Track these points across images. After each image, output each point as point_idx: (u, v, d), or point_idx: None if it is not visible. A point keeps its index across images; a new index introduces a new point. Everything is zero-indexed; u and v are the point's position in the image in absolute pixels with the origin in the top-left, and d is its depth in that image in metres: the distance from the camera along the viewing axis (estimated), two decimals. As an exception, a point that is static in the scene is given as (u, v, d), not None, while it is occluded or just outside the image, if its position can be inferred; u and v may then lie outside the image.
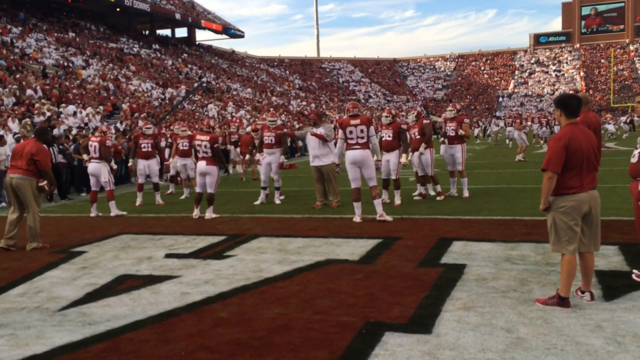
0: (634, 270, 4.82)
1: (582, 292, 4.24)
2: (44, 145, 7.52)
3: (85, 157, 10.69)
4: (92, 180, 10.40)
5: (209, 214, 9.24)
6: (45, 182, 7.34)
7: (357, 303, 4.42)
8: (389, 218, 8.08)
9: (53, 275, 5.83)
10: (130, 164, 11.31)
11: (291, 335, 3.80)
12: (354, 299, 4.54)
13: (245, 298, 4.72)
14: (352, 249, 6.39)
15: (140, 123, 17.55)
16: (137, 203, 11.37)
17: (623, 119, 42.18)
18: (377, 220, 8.04)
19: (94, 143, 10.28)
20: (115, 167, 11.14)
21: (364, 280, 5.06)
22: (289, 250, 6.45)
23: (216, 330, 3.98)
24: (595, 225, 4.17)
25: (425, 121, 10.25)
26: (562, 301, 4.08)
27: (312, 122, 10.25)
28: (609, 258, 5.42)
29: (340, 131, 8.36)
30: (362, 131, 8.15)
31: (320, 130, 9.81)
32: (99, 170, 10.17)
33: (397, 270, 5.36)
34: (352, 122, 8.21)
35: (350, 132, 8.19)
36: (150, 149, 11.57)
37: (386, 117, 9.69)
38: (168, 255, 6.50)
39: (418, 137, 10.05)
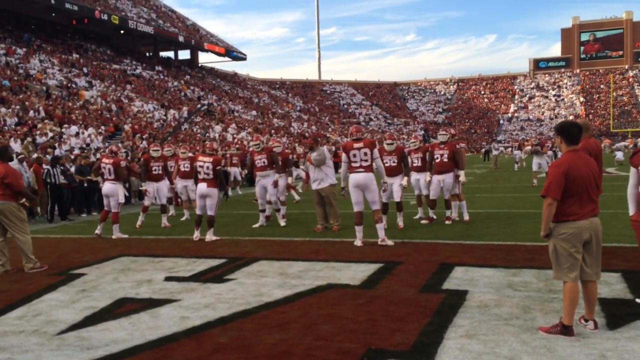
0: (637, 300, 4.79)
1: (586, 321, 4.20)
2: (9, 165, 7.40)
3: (96, 178, 10.71)
4: (105, 201, 10.39)
5: (210, 236, 9.22)
6: (23, 199, 7.31)
7: (359, 329, 4.38)
8: (390, 242, 8.06)
9: (52, 298, 5.79)
10: (143, 187, 11.37)
11: (292, 362, 3.76)
12: (355, 324, 4.50)
13: (245, 323, 4.68)
14: (354, 273, 6.35)
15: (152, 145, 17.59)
16: (138, 224, 11.35)
17: (623, 143, 42.31)
18: (378, 244, 8.01)
19: (107, 165, 10.29)
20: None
21: (366, 306, 5.03)
22: (289, 274, 6.41)
23: (216, 356, 3.93)
24: (597, 253, 4.15)
25: (458, 146, 10.23)
26: (565, 330, 4.04)
27: (309, 147, 10.25)
28: (612, 285, 5.38)
29: (344, 155, 8.38)
30: (365, 154, 8.15)
31: (312, 155, 9.86)
32: (115, 191, 10.19)
33: (398, 295, 5.33)
34: (356, 145, 8.22)
35: (354, 155, 8.19)
36: (160, 172, 11.56)
37: (390, 144, 9.59)
38: (168, 279, 6.46)
39: (446, 160, 9.98)
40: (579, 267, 4.08)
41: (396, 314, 4.73)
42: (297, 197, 15.49)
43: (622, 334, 4.06)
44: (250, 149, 11.99)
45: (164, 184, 11.67)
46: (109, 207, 10.28)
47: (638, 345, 3.83)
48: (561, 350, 3.79)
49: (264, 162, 10.57)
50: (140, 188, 11.03)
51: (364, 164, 8.15)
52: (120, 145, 19.52)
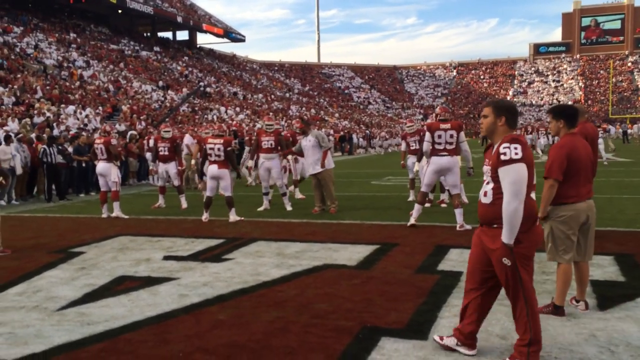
0: None
1: (577, 301, 4.29)
2: None
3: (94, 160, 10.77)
4: (101, 181, 10.43)
5: (233, 216, 9.30)
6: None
7: (354, 308, 4.46)
8: (468, 227, 7.78)
9: (52, 275, 5.86)
10: (151, 167, 11.49)
11: (288, 339, 3.83)
12: (351, 303, 4.57)
13: (243, 301, 4.75)
14: (350, 254, 6.42)
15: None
16: (156, 205, 11.40)
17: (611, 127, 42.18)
18: (457, 229, 7.70)
19: (99, 145, 10.32)
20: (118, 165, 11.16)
21: (361, 286, 5.10)
22: (287, 255, 6.48)
23: (214, 332, 4.01)
24: (591, 235, 4.22)
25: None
26: (557, 310, 4.12)
27: (301, 131, 10.04)
28: (604, 268, 5.46)
29: (427, 134, 8.03)
30: (451, 136, 7.88)
31: (304, 142, 9.75)
32: (108, 170, 10.22)
33: (394, 276, 5.40)
34: (442, 126, 7.92)
35: (439, 137, 7.91)
36: (167, 153, 11.45)
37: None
38: (166, 257, 6.53)
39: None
40: (574, 249, 4.14)
41: (391, 294, 4.80)
42: (249, 180, 15.47)
43: (612, 315, 4.14)
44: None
45: (173, 165, 11.52)
46: (106, 187, 10.33)
47: (627, 325, 3.92)
48: (552, 329, 3.88)
49: (270, 144, 10.38)
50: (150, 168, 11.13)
51: (449, 147, 7.90)
52: (116, 126, 19.49)
